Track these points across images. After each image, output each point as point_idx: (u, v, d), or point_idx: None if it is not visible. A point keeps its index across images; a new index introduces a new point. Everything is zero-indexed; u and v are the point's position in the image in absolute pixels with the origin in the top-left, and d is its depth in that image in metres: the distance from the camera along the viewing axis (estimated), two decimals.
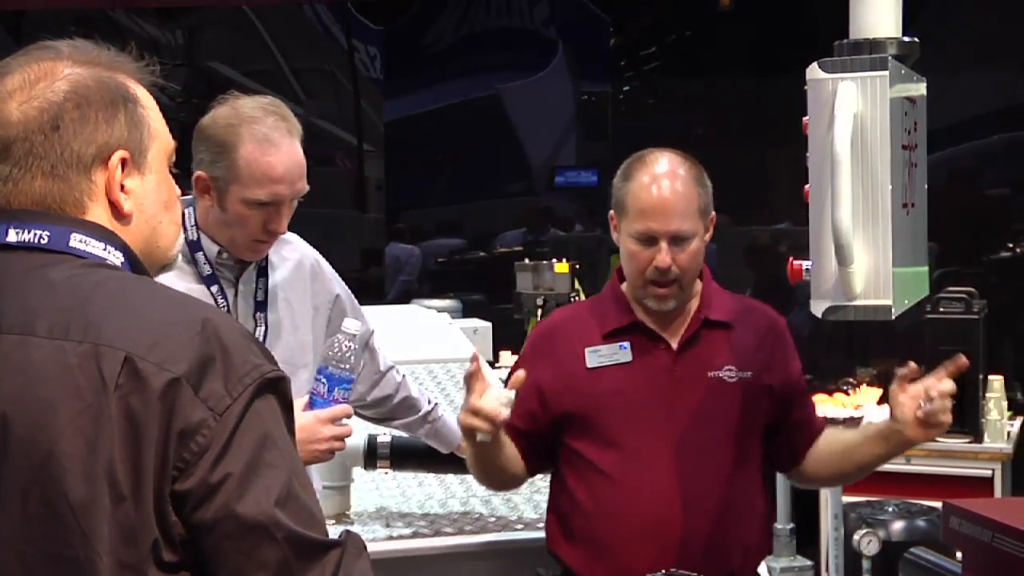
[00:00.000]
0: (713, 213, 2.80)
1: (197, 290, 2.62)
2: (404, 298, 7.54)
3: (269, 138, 2.60)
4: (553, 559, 2.81)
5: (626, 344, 2.78)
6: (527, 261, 6.07)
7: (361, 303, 3.06)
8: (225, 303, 2.69)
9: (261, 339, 2.68)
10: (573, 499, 2.77)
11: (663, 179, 2.73)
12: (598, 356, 2.78)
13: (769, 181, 7.47)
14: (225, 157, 2.59)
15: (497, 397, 2.57)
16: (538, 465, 2.86)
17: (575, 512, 2.77)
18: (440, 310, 4.82)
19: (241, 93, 2.67)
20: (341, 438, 2.58)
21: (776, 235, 7.14)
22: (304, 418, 2.47)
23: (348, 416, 2.59)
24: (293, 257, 2.85)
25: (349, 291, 2.98)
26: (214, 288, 2.67)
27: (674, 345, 2.77)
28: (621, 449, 2.73)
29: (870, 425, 2.75)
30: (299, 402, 2.46)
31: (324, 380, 2.54)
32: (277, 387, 1.56)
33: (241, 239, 2.66)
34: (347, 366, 2.56)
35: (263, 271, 2.76)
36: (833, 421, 5.61)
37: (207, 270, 2.70)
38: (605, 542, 2.71)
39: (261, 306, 2.75)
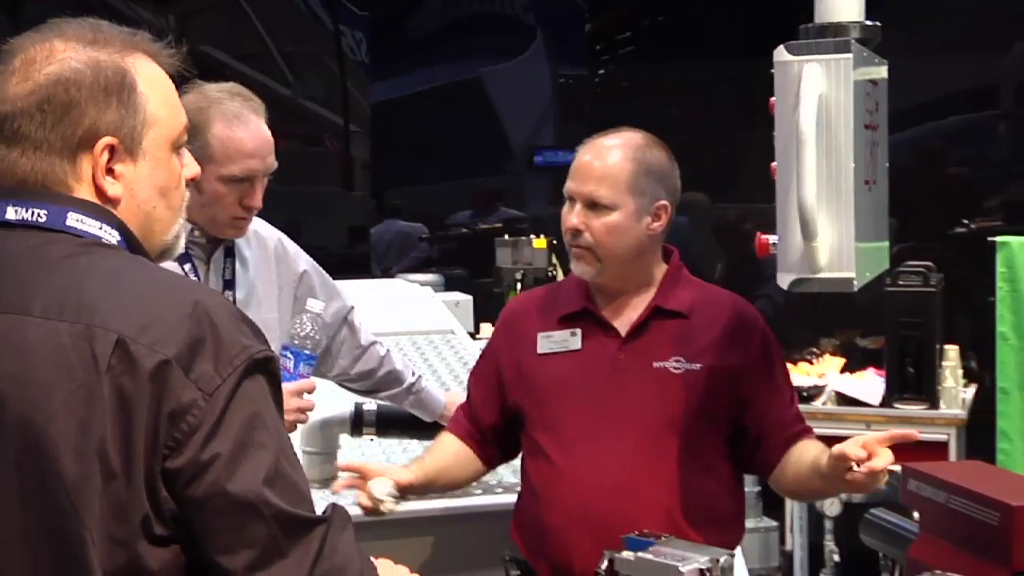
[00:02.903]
0: (663, 202, 2.65)
1: (171, 268, 2.62)
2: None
3: (239, 116, 2.62)
4: (514, 542, 2.79)
5: (577, 331, 2.69)
6: (507, 237, 6.07)
7: (347, 278, 3.06)
8: (197, 281, 2.69)
9: None
10: (526, 484, 2.76)
11: (599, 147, 2.66)
12: (549, 342, 2.71)
13: (742, 161, 7.48)
14: (197, 139, 2.58)
15: (381, 491, 2.60)
16: (497, 455, 2.84)
17: (527, 497, 2.75)
18: (423, 284, 4.82)
19: (203, 81, 2.65)
20: (305, 410, 2.64)
21: (745, 212, 7.14)
22: None
23: (312, 390, 2.68)
24: (258, 239, 2.85)
25: (318, 267, 2.99)
26: (187, 267, 2.68)
27: (623, 333, 2.68)
28: (562, 436, 2.66)
29: (821, 456, 2.53)
30: None
31: (290, 356, 2.65)
32: (266, 367, 1.55)
33: (221, 218, 2.66)
34: (311, 343, 2.70)
35: (230, 251, 2.77)
36: (797, 390, 5.64)
37: (181, 249, 2.70)
38: (545, 528, 2.67)
39: (229, 284, 2.76)
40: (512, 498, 2.88)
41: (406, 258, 9.18)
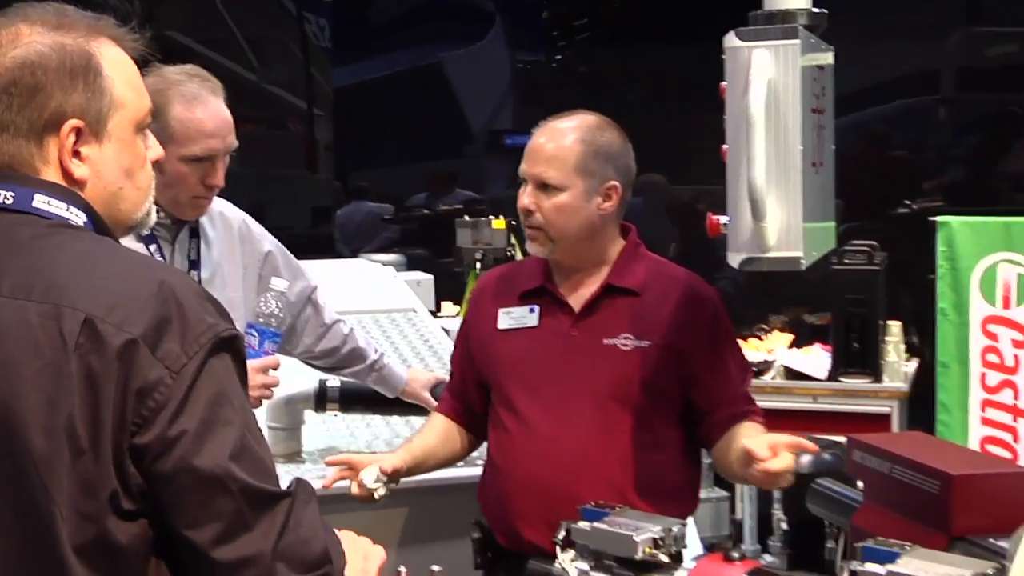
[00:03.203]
0: (614, 183, 2.65)
1: (137, 249, 2.60)
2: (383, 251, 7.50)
3: (198, 97, 2.60)
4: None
5: (535, 308, 2.69)
6: (467, 218, 6.07)
7: (311, 259, 3.05)
8: (163, 262, 2.67)
9: None
10: (488, 455, 2.77)
11: (552, 129, 2.66)
12: (508, 318, 2.72)
13: (696, 144, 7.49)
14: (157, 120, 2.55)
15: (370, 478, 2.61)
16: (486, 427, 2.83)
17: (488, 467, 2.76)
18: (385, 264, 4.80)
19: (163, 64, 2.63)
20: (270, 387, 2.64)
21: (699, 193, 7.16)
22: None
23: (276, 367, 2.70)
24: (223, 219, 2.84)
25: (282, 247, 2.98)
26: (152, 247, 2.66)
27: (576, 310, 2.68)
28: (518, 409, 2.67)
29: (743, 441, 2.53)
30: None
31: (255, 333, 2.65)
32: (231, 345, 1.55)
33: (183, 197, 2.65)
34: (276, 321, 2.70)
35: (195, 232, 2.75)
36: None
37: (146, 230, 2.68)
38: (501, 497, 2.68)
39: (194, 264, 2.75)
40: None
41: (378, 238, 9.14)
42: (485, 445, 2.82)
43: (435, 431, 2.82)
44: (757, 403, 2.77)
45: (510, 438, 2.67)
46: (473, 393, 2.80)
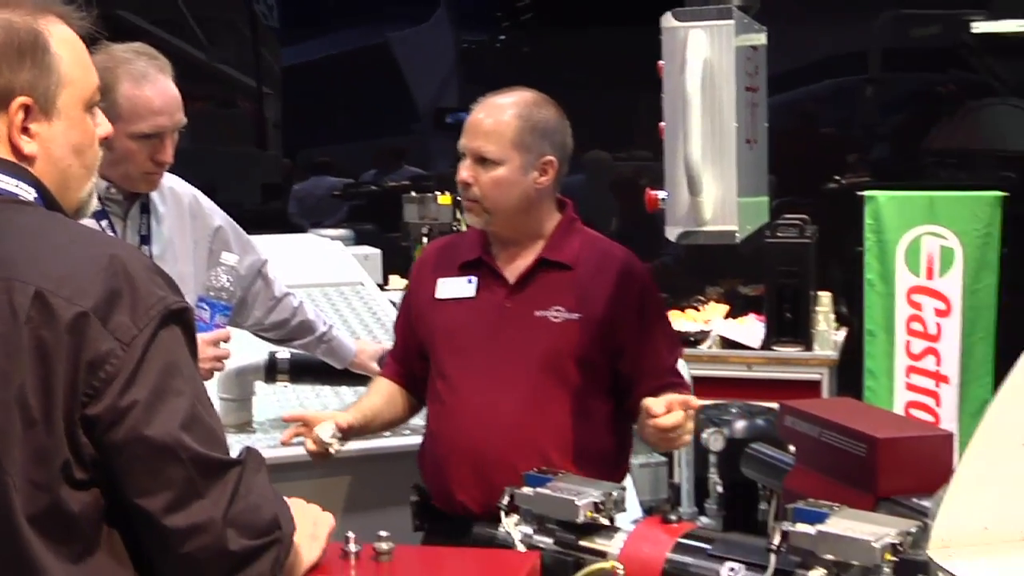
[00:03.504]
0: (550, 157, 2.63)
1: (88, 224, 2.57)
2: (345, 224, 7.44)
3: (145, 74, 2.56)
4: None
5: (473, 279, 2.68)
6: (414, 194, 6.05)
7: (261, 233, 3.02)
8: (113, 236, 2.63)
9: None
10: (427, 423, 2.77)
11: (490, 105, 2.65)
12: (446, 288, 2.71)
13: (635, 121, 7.49)
14: (106, 98, 2.51)
15: (326, 433, 2.59)
16: (424, 395, 2.82)
17: (426, 435, 2.76)
18: (334, 238, 4.77)
19: (111, 43, 2.58)
20: (221, 359, 2.63)
21: (640, 169, 7.17)
22: None
23: (227, 339, 2.67)
24: (173, 195, 2.80)
25: (233, 222, 2.94)
26: (104, 223, 2.62)
27: (511, 282, 2.67)
28: (453, 378, 2.66)
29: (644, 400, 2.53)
30: None
31: (206, 307, 2.63)
32: (181, 317, 1.54)
33: (134, 173, 2.61)
34: (226, 295, 2.69)
35: (146, 207, 2.72)
36: (684, 335, 5.70)
37: (97, 206, 2.64)
38: (436, 464, 2.67)
39: (145, 239, 2.71)
40: (403, 440, 2.90)
41: (339, 212, 9.08)
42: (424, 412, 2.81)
43: (380, 393, 2.81)
44: (685, 377, 2.78)
45: (445, 406, 2.67)
46: (415, 359, 2.79)
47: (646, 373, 2.64)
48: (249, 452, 1.59)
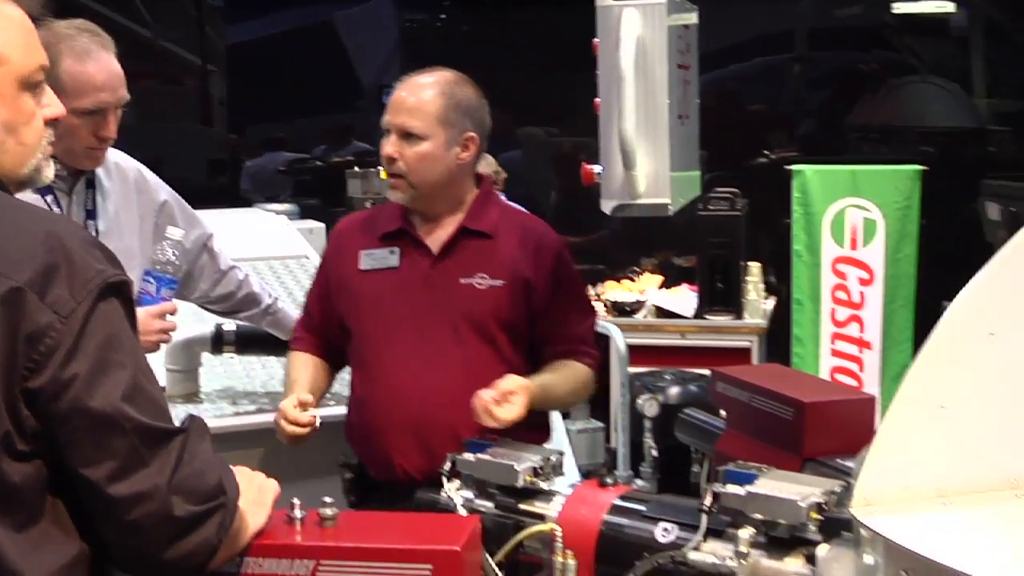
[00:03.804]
0: (471, 134, 2.64)
1: (33, 200, 2.52)
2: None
3: (87, 51, 2.51)
4: (348, 448, 2.77)
5: (396, 249, 2.68)
6: (357, 169, 6.01)
7: (209, 208, 2.98)
8: (60, 212, 2.58)
9: None
10: (353, 392, 2.75)
11: (413, 83, 2.66)
12: (370, 259, 2.70)
13: (573, 98, 7.49)
14: (48, 74, 2.46)
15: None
16: (342, 361, 2.79)
17: (353, 404, 2.74)
18: (279, 213, 4.72)
19: (54, 19, 2.52)
20: (167, 331, 2.60)
21: (579, 145, 7.18)
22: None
23: (173, 312, 2.63)
24: (118, 170, 2.75)
25: (178, 197, 2.90)
26: (49, 198, 2.57)
27: (435, 252, 2.67)
28: (381, 347, 2.65)
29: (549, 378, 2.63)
30: None
31: (152, 280, 2.59)
32: (120, 290, 1.51)
33: (77, 149, 2.56)
34: (172, 268, 2.63)
35: (91, 183, 2.67)
36: (619, 305, 5.73)
37: (40, 185, 2.59)
38: (369, 432, 2.67)
39: (91, 214, 2.67)
40: (342, 409, 2.84)
41: (292, 187, 9.00)
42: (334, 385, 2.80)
43: (307, 367, 2.77)
44: (595, 349, 2.80)
45: (376, 374, 2.66)
46: (333, 330, 2.76)
47: (555, 337, 2.69)
48: (193, 420, 1.57)
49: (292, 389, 2.70)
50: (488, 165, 6.05)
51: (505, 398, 2.46)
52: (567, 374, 2.69)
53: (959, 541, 1.44)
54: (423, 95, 2.63)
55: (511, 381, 2.51)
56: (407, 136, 2.62)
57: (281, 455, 2.41)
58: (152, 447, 1.48)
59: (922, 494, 1.53)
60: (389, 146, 2.63)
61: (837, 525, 1.73)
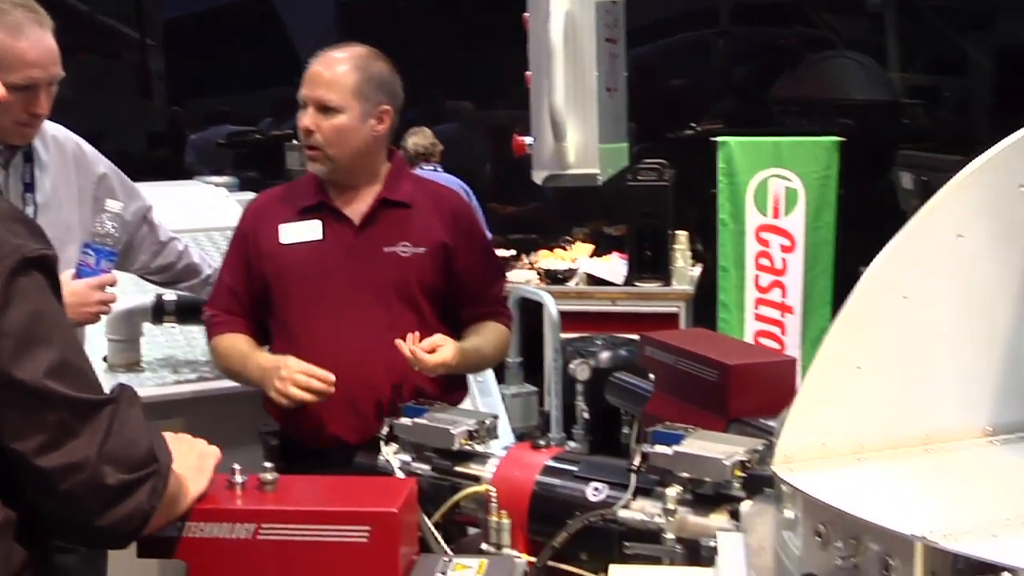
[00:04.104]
0: (386, 107, 2.64)
1: None
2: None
3: (19, 27, 2.43)
4: (268, 417, 2.74)
5: (317, 222, 2.67)
6: (295, 142, 5.94)
7: (149, 181, 2.93)
8: None
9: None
10: None
11: (328, 58, 2.66)
12: (291, 233, 2.67)
13: (505, 71, 7.47)
14: None
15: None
16: (263, 336, 2.75)
17: None
18: (218, 185, 4.65)
19: None
20: (107, 302, 2.56)
21: (514, 117, 7.17)
22: (75, 285, 2.46)
23: (113, 283, 2.57)
24: (56, 143, 2.69)
25: (117, 170, 2.84)
26: None
27: (356, 223, 2.67)
28: (308, 317, 2.63)
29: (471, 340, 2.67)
30: (68, 273, 2.47)
31: (92, 253, 2.54)
32: (41, 264, 1.47)
33: (7, 124, 2.50)
34: (112, 240, 2.56)
35: (29, 156, 2.60)
36: (552, 273, 5.74)
37: None
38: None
39: (29, 188, 2.61)
40: None
41: (237, 160, 8.85)
42: None
43: (251, 343, 2.72)
44: (508, 308, 2.84)
45: (304, 345, 2.62)
46: (256, 306, 2.73)
47: (475, 300, 2.72)
48: (122, 389, 1.54)
49: (253, 360, 2.65)
50: (425, 138, 6.04)
51: (433, 348, 2.47)
52: (490, 336, 2.71)
53: (873, 494, 1.46)
54: (338, 69, 2.63)
55: (440, 337, 2.51)
56: (323, 109, 2.61)
57: (180, 429, 2.34)
58: (81, 418, 1.45)
59: (839, 451, 1.56)
60: (306, 119, 2.63)
61: (760, 482, 1.75)
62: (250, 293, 2.73)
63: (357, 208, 2.68)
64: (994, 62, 7.06)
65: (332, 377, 2.50)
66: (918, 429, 1.59)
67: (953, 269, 1.57)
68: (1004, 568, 1.40)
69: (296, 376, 2.49)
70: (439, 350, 2.48)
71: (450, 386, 2.68)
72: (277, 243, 2.68)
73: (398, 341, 2.46)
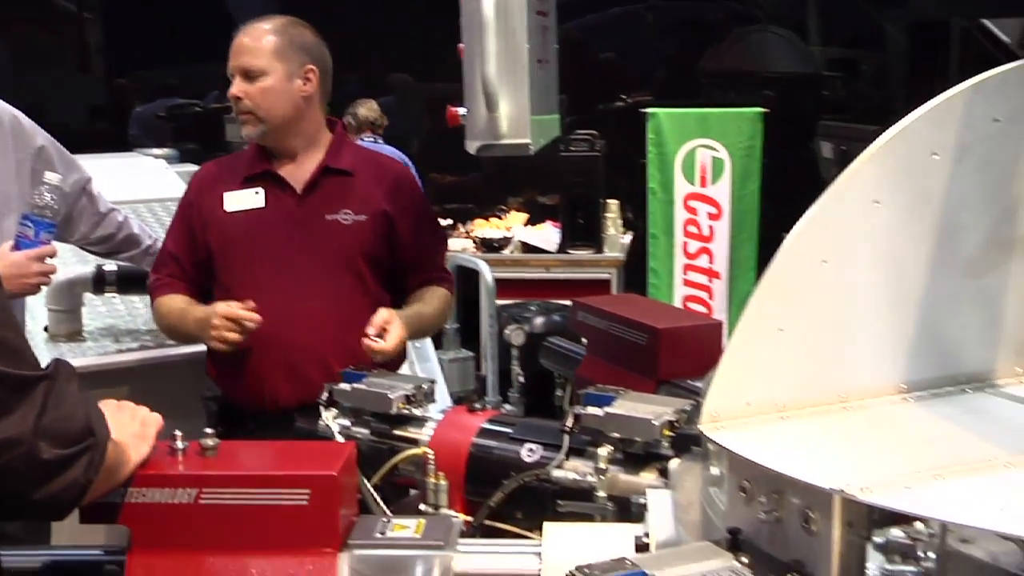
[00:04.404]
0: (311, 66, 2.64)
1: None
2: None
3: None
4: (212, 381, 2.73)
5: (260, 190, 2.65)
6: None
7: (89, 153, 2.87)
8: None
9: None
10: None
11: (251, 28, 2.67)
12: (235, 201, 2.66)
13: (443, 44, 7.39)
14: None
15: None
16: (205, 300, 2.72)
17: None
18: (158, 157, 4.57)
19: None
20: (47, 273, 2.53)
21: (452, 90, 7.11)
22: (14, 257, 2.45)
23: (53, 255, 2.54)
24: None
25: (55, 142, 2.78)
26: None
27: (299, 191, 2.66)
28: (251, 284, 2.61)
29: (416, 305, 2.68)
30: (7, 244, 2.47)
31: (31, 224, 2.50)
32: None
33: None
34: (51, 212, 2.53)
35: None
36: (488, 241, 5.73)
37: None
38: (239, 365, 2.62)
39: None
40: (198, 347, 2.75)
41: (182, 134, 8.68)
42: None
43: (190, 300, 2.69)
44: (450, 273, 2.84)
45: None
46: (199, 273, 2.70)
47: (418, 266, 2.71)
48: (58, 364, 1.51)
49: (190, 314, 2.63)
50: (371, 111, 5.99)
51: (383, 329, 2.46)
52: (433, 302, 2.71)
53: (794, 451, 1.47)
54: (259, 35, 2.64)
55: (384, 313, 2.49)
56: (248, 75, 2.62)
57: (123, 396, 2.31)
58: (15, 395, 1.42)
59: (763, 410, 1.57)
60: (234, 87, 2.63)
61: (687, 441, 1.76)
62: (193, 260, 2.71)
63: (299, 176, 2.66)
64: (908, 36, 7.15)
65: (257, 316, 2.50)
66: (837, 388, 1.61)
67: (869, 234, 1.59)
68: (916, 517, 1.43)
69: (225, 321, 2.51)
70: (390, 330, 2.46)
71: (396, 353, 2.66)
72: (221, 211, 2.66)
73: (363, 342, 2.43)
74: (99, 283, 3.06)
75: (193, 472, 1.68)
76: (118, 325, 3.16)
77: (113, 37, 9.35)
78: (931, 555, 1.43)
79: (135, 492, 1.65)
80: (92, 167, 2.94)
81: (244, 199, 2.66)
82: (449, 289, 2.77)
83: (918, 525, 1.46)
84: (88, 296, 3.12)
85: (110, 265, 3.06)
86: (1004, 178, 1.66)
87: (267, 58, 2.61)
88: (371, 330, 2.45)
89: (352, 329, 2.51)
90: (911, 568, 1.43)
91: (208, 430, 1.76)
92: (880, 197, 1.57)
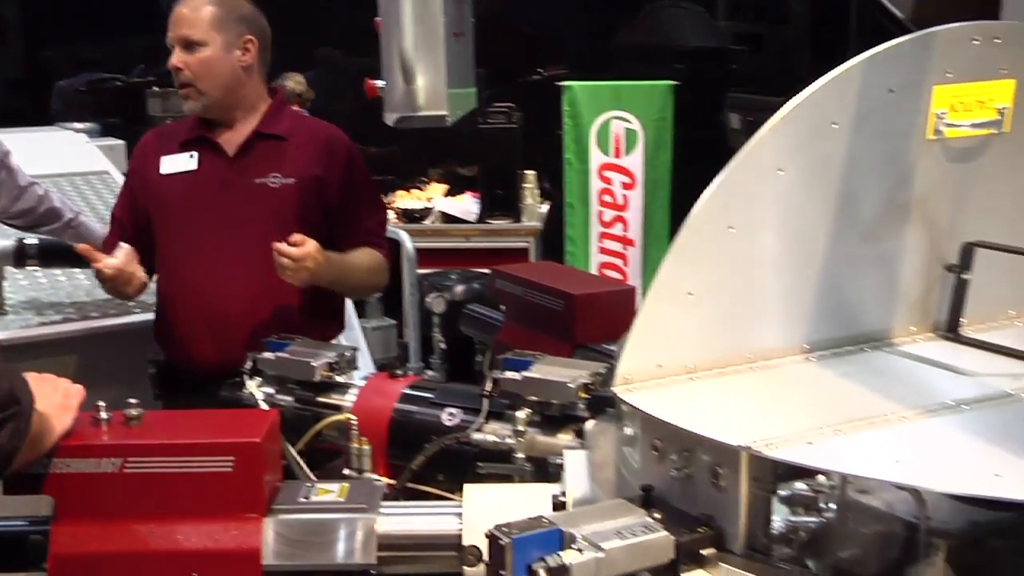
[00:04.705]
0: (249, 37, 2.60)
1: None
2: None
3: None
4: (158, 349, 2.71)
5: (194, 153, 2.64)
6: (156, 89, 5.75)
7: (9, 127, 2.80)
8: None
9: None
10: (159, 290, 2.69)
11: (187, 1, 2.62)
12: (170, 164, 2.65)
13: (369, 18, 7.28)
14: None
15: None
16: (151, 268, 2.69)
17: (158, 301, 2.69)
18: (79, 131, 4.45)
19: None
20: None
21: (373, 63, 7.03)
22: None
23: None
24: None
25: None
26: None
27: (230, 155, 2.63)
28: (182, 247, 2.61)
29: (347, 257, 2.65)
30: None
31: None
32: None
33: None
34: None
35: None
36: (409, 212, 5.69)
37: None
38: (173, 330, 2.62)
39: None
40: (148, 316, 2.75)
41: (104, 108, 8.45)
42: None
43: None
44: (385, 240, 2.77)
45: (176, 273, 2.61)
46: (136, 236, 2.66)
47: (350, 232, 2.66)
48: None
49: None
50: (298, 84, 5.91)
51: (298, 245, 2.41)
52: (361, 256, 2.65)
53: (704, 411, 1.49)
54: (198, 6, 2.61)
55: (297, 237, 2.43)
56: (188, 46, 2.59)
57: (72, 365, 2.27)
58: None
59: (673, 371, 1.58)
60: (173, 58, 2.60)
61: (602, 402, 1.77)
62: (135, 225, 2.68)
63: (232, 140, 2.64)
64: (811, 11, 7.23)
65: (112, 261, 2.50)
66: (744, 349, 1.63)
67: (774, 200, 1.60)
68: (818, 471, 1.46)
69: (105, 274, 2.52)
70: (306, 246, 2.41)
71: (326, 316, 2.65)
72: (158, 175, 2.64)
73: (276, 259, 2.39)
74: (20, 257, 2.98)
75: (117, 441, 1.65)
76: (40, 298, 3.09)
77: (33, 10, 9.07)
78: (832, 506, 1.46)
79: (59, 463, 1.62)
80: (11, 140, 2.87)
81: (178, 163, 2.64)
82: (384, 255, 2.71)
83: (820, 478, 1.49)
84: (9, 270, 3.04)
85: (31, 239, 2.98)
86: (899, 146, 1.69)
87: (206, 29, 2.58)
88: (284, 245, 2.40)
89: (279, 294, 2.48)
90: (813, 519, 1.46)
91: (132, 400, 1.73)
92: (784, 165, 1.59)
